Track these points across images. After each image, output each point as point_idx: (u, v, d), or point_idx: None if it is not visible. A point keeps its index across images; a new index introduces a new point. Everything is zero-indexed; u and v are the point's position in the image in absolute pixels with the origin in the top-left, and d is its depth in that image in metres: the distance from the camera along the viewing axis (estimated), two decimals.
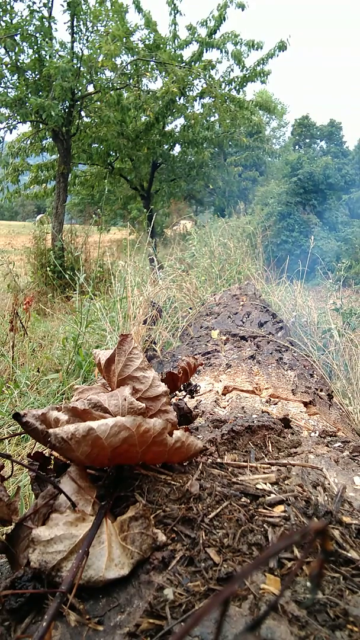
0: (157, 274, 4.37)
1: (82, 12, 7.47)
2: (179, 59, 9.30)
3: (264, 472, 0.75)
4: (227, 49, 9.40)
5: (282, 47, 9.20)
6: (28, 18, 7.15)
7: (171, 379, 1.00)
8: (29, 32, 7.18)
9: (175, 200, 15.46)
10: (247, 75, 9.85)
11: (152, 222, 5.76)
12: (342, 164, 16.88)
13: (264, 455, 0.85)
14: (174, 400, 1.05)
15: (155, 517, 0.60)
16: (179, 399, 1.08)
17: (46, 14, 7.37)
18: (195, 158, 11.73)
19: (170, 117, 10.01)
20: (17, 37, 7.11)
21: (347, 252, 12.28)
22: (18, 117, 7.54)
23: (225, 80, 10.18)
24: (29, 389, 2.64)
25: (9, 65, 7.34)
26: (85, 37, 7.82)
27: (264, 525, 0.60)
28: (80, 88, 7.60)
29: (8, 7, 7.03)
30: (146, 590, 0.51)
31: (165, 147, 10.61)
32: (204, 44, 9.36)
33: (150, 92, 9.09)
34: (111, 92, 8.03)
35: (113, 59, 7.55)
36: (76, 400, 0.75)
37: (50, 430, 0.61)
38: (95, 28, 7.80)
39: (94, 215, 7.10)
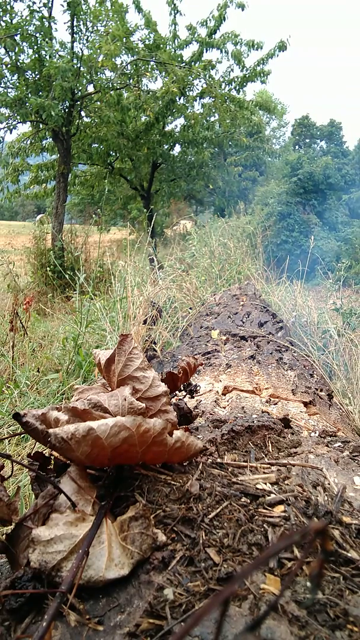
0: (157, 274, 4.37)
1: (82, 12, 7.47)
2: (179, 59, 9.30)
3: (264, 472, 0.75)
4: (227, 49, 9.40)
5: (282, 47, 9.20)
6: (28, 18, 7.15)
7: (171, 379, 1.00)
8: (29, 32, 7.17)
9: (175, 200, 15.47)
10: (247, 75, 9.85)
11: (152, 222, 5.76)
12: (342, 164, 16.89)
13: (264, 455, 0.85)
14: (174, 400, 1.05)
15: (155, 517, 0.60)
16: (179, 399, 1.08)
17: (46, 14, 7.37)
18: (195, 158, 11.73)
19: (170, 117, 10.01)
20: (17, 37, 7.11)
21: (347, 252, 12.28)
22: (18, 117, 7.54)
23: (225, 80, 10.18)
24: (29, 389, 2.64)
25: (9, 65, 7.34)
26: (85, 37, 7.82)
27: (264, 525, 0.60)
28: (80, 88, 7.60)
29: (8, 7, 7.03)
30: (146, 590, 0.51)
31: (165, 147, 10.61)
32: (204, 44, 9.36)
33: (150, 92, 9.09)
34: (111, 92, 8.03)
35: (113, 59, 7.55)
36: (76, 400, 0.75)
37: (50, 430, 0.61)
38: (95, 28, 7.81)
39: (94, 215, 7.10)
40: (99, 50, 7.46)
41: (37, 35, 7.22)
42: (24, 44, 7.29)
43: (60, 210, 7.98)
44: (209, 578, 0.51)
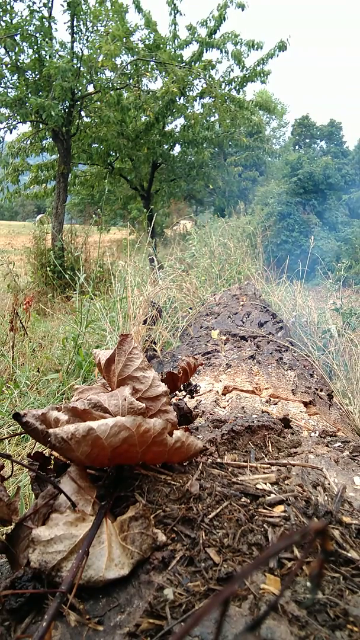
0: (157, 274, 4.37)
1: (82, 12, 7.47)
2: (179, 59, 9.29)
3: (264, 472, 0.75)
4: (227, 49, 9.40)
5: (282, 47, 9.20)
6: (28, 18, 7.15)
7: (171, 379, 1.00)
8: (29, 32, 7.17)
9: (175, 200, 15.46)
10: (247, 75, 9.85)
11: (152, 222, 5.76)
12: (342, 164, 16.90)
13: (264, 455, 0.85)
14: (174, 400, 1.05)
15: (155, 517, 0.60)
16: (179, 399, 1.08)
17: (46, 14, 7.37)
18: (195, 158, 11.72)
19: (170, 117, 10.01)
20: (17, 37, 7.11)
21: (347, 252, 12.28)
22: (18, 117, 7.54)
23: (225, 80, 10.18)
24: (29, 389, 2.64)
25: (9, 65, 7.34)
26: (85, 37, 7.82)
27: (264, 525, 0.60)
28: (80, 88, 7.60)
29: (8, 7, 7.03)
30: (146, 590, 0.51)
31: (165, 147, 10.61)
32: (204, 44, 9.36)
33: (150, 92, 9.09)
34: (111, 92, 8.03)
35: (113, 59, 7.55)
36: (76, 400, 0.75)
37: (50, 430, 0.61)
38: (95, 28, 7.80)
39: (94, 215, 7.10)
40: (99, 50, 7.46)
41: (37, 35, 7.22)
42: (24, 44, 7.29)
43: (60, 210, 7.98)
44: (209, 578, 0.51)
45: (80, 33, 7.74)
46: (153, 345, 2.61)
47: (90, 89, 8.06)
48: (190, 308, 3.50)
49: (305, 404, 1.40)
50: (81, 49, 7.82)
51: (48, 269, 7.13)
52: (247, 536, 0.58)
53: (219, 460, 0.79)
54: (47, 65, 6.82)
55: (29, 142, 8.68)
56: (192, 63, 9.44)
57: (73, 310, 4.06)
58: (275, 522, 0.61)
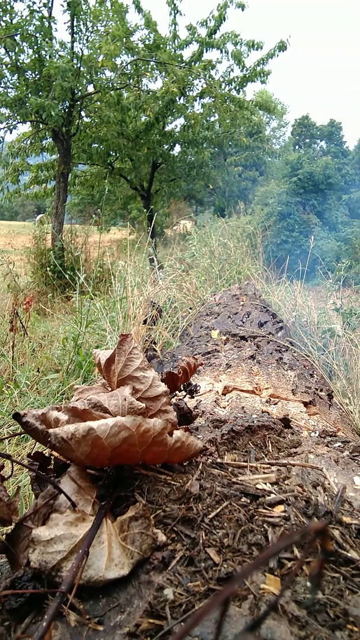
0: (157, 274, 4.37)
1: (82, 12, 7.47)
2: (179, 59, 9.29)
3: (264, 472, 0.75)
4: (227, 49, 9.40)
5: (282, 47, 9.20)
6: (28, 18, 7.15)
7: (171, 379, 1.00)
8: (29, 32, 7.17)
9: (175, 200, 15.46)
10: (247, 75, 9.85)
11: (152, 222, 5.76)
12: (342, 164, 16.91)
13: (264, 455, 0.85)
14: (174, 400, 1.05)
15: (155, 517, 0.60)
16: (179, 399, 1.08)
17: (46, 14, 7.37)
18: (195, 158, 11.72)
19: (170, 117, 10.01)
20: (17, 37, 7.11)
21: (347, 252, 12.29)
22: (18, 117, 7.54)
23: (225, 80, 10.18)
24: (29, 389, 2.64)
25: (9, 65, 7.34)
26: (85, 37, 7.82)
27: (264, 525, 0.60)
28: (80, 88, 7.60)
29: (8, 7, 7.03)
30: (146, 590, 0.51)
31: (165, 147, 10.61)
32: (204, 44, 9.36)
33: (150, 92, 9.09)
34: (111, 92, 8.03)
35: (113, 59, 7.55)
36: (76, 400, 0.75)
37: (50, 430, 0.61)
38: (95, 28, 7.80)
39: (94, 215, 7.10)
40: (99, 50, 7.46)
41: (37, 35, 7.22)
42: (24, 44, 7.29)
43: (60, 210, 7.98)
44: (209, 578, 0.51)
45: (80, 33, 7.74)
46: (153, 345, 2.61)
47: (90, 89, 8.06)
48: (190, 308, 3.50)
49: (305, 404, 1.40)
50: (81, 49, 7.83)
51: (48, 269, 7.13)
52: (247, 536, 0.58)
53: (219, 460, 0.79)
54: (47, 65, 6.82)
55: (29, 142, 8.68)
56: (192, 63, 9.44)
57: (73, 310, 4.06)
58: (275, 522, 0.61)
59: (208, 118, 10.64)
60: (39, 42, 7.24)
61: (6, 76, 7.48)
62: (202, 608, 0.34)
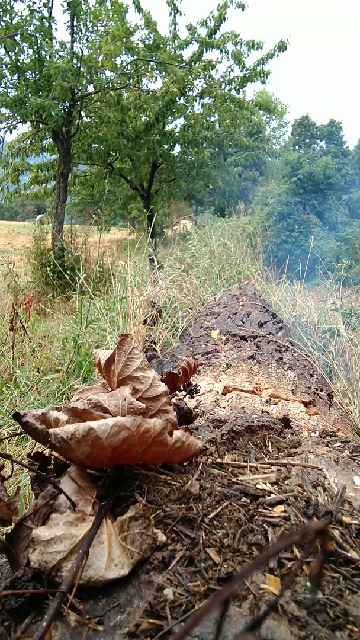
0: (157, 274, 4.37)
1: (82, 12, 7.47)
2: (179, 59, 9.29)
3: (264, 472, 0.75)
4: (227, 49, 9.40)
5: (282, 47, 9.20)
6: (28, 18, 7.15)
7: (171, 379, 1.00)
8: (29, 32, 7.18)
9: (175, 200, 15.47)
10: (247, 75, 9.85)
11: (152, 222, 5.76)
12: (342, 164, 16.91)
13: (264, 455, 0.85)
14: (174, 400, 1.05)
15: (155, 517, 0.60)
16: (179, 399, 1.08)
17: (46, 14, 7.37)
18: (195, 158, 11.72)
19: (170, 117, 10.01)
20: (17, 37, 7.11)
21: (347, 252, 12.28)
22: (18, 117, 7.54)
23: (225, 80, 10.18)
24: (29, 389, 2.64)
25: (9, 65, 7.34)
26: (85, 37, 7.82)
27: (264, 525, 0.60)
28: (80, 88, 7.60)
29: (8, 7, 7.03)
30: (146, 590, 0.51)
31: (165, 147, 10.61)
32: (204, 44, 9.36)
33: (150, 92, 9.09)
34: (111, 92, 8.03)
35: (113, 59, 7.55)
36: (76, 400, 0.75)
37: (50, 430, 0.61)
38: (95, 28, 7.80)
39: (94, 215, 7.10)
40: (99, 50, 7.46)
41: (37, 35, 7.22)
42: (24, 44, 7.29)
43: (60, 210, 7.98)
44: (209, 578, 0.51)
45: (80, 33, 7.74)
46: (153, 345, 2.61)
47: (90, 89, 8.06)
48: (190, 308, 3.50)
49: (305, 404, 1.40)
50: (81, 49, 7.83)
51: (48, 269, 7.13)
52: (247, 536, 0.58)
53: (219, 460, 0.79)
54: (47, 65, 6.82)
55: (29, 142, 8.68)
56: (192, 63, 9.44)
57: (73, 310, 4.06)
58: (275, 522, 0.61)
59: (208, 118, 10.64)
60: (39, 42, 7.24)
61: (6, 76, 7.48)
62: (202, 608, 0.34)
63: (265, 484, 0.71)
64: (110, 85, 7.89)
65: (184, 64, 9.18)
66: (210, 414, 1.19)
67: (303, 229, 13.11)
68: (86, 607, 0.50)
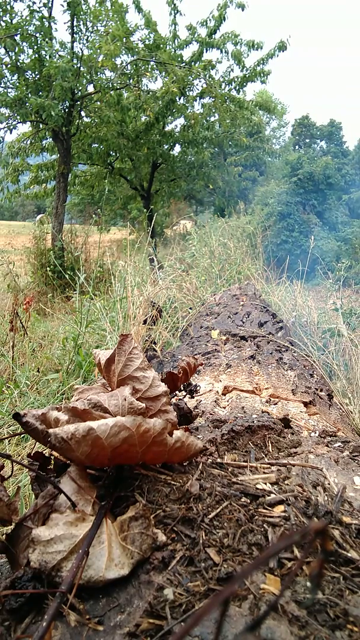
0: (157, 274, 4.37)
1: (82, 12, 7.47)
2: (179, 59, 9.29)
3: (264, 472, 0.75)
4: (227, 49, 9.40)
5: (282, 47, 9.20)
6: (28, 18, 7.15)
7: (171, 379, 1.00)
8: (29, 32, 7.18)
9: (175, 200, 15.46)
10: (247, 75, 9.85)
11: (152, 222, 5.76)
12: (342, 164, 16.90)
13: (264, 455, 0.85)
14: (174, 400, 1.05)
15: (155, 517, 0.60)
16: (179, 399, 1.08)
17: (46, 14, 7.37)
18: (195, 158, 11.72)
19: (170, 117, 10.01)
20: (17, 37, 7.11)
21: (347, 252, 12.28)
22: (18, 117, 7.54)
23: (225, 80, 10.18)
24: (29, 389, 2.64)
25: (9, 65, 7.34)
26: (85, 37, 7.82)
27: (264, 525, 0.60)
28: (80, 88, 7.60)
29: (8, 7, 7.03)
30: (146, 590, 0.51)
31: (165, 147, 10.61)
32: (204, 44, 9.36)
33: (150, 92, 9.09)
34: (111, 92, 8.03)
35: (113, 59, 7.55)
36: (76, 400, 0.75)
37: (50, 430, 0.61)
38: (95, 28, 7.80)
39: (94, 215, 7.11)
40: (99, 50, 7.46)
41: (37, 35, 7.22)
42: (24, 44, 7.29)
43: (60, 210, 7.98)
44: (209, 578, 0.51)
45: (80, 33, 7.74)
46: (153, 345, 2.61)
47: (90, 89, 8.06)
48: (190, 308, 3.50)
49: (305, 404, 1.40)
50: (81, 49, 7.83)
51: (48, 269, 7.13)
52: (247, 536, 0.58)
53: (219, 460, 0.79)
54: (47, 65, 6.82)
55: (29, 142, 8.68)
56: (192, 63, 9.44)
57: (73, 310, 4.06)
58: (275, 522, 0.61)
59: (208, 118, 10.64)
60: (39, 42, 7.24)
61: (6, 76, 7.48)
62: (202, 608, 0.34)
63: (265, 484, 0.71)
64: (110, 85, 7.89)
65: (184, 64, 9.18)
66: (210, 414, 1.19)
67: (303, 229, 13.10)
68: (86, 607, 0.50)
